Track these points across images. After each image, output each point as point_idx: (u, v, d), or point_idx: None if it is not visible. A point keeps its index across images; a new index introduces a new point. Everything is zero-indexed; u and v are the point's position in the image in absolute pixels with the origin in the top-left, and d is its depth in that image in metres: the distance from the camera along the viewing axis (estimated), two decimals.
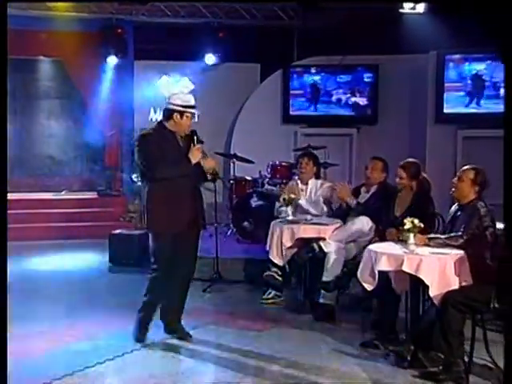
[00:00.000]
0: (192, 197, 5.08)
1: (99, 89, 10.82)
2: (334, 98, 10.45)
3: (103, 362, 4.69)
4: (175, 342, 5.16)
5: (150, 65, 11.05)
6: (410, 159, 5.64)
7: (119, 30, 10.41)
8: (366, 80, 10.35)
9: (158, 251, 5.04)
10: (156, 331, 5.26)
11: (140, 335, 5.13)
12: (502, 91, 9.39)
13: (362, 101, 10.39)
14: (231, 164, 9.18)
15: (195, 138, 5.08)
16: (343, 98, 10.43)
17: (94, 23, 10.35)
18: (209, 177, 5.19)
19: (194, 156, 5.02)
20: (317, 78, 10.52)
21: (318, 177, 6.72)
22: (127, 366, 4.69)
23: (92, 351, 4.94)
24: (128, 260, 8.09)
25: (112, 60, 10.55)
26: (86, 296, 6.66)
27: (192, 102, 5.06)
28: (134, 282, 7.27)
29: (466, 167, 4.96)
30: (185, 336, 5.20)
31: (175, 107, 5.00)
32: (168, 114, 5.04)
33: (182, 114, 5.00)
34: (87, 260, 8.55)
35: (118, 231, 8.61)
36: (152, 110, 11.17)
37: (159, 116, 11.05)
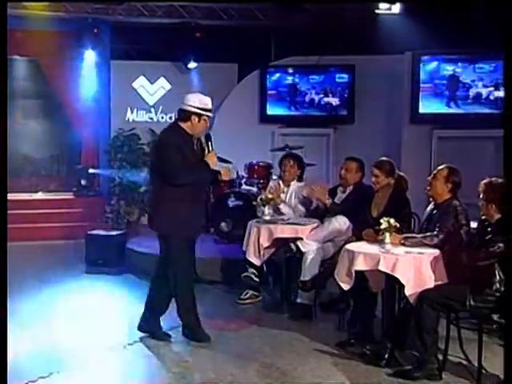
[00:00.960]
0: (204, 201, 5.18)
1: (75, 88, 10.74)
2: (308, 98, 10.50)
3: (78, 364, 4.66)
4: (152, 342, 5.15)
5: (127, 64, 11.03)
6: (383, 158, 5.71)
7: (95, 30, 10.32)
8: (339, 80, 10.40)
9: (181, 258, 5.04)
10: (131, 332, 5.25)
11: (200, 337, 5.13)
12: (472, 92, 9.50)
13: (335, 101, 10.44)
14: None
15: (210, 143, 5.09)
16: (316, 98, 10.48)
17: (70, 22, 10.25)
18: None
19: (213, 162, 5.02)
20: (294, 78, 10.56)
21: (300, 179, 6.71)
22: (103, 367, 4.67)
23: (67, 353, 4.90)
24: (105, 261, 8.05)
25: (88, 59, 10.48)
26: (61, 297, 6.61)
27: (210, 106, 5.05)
28: (111, 283, 7.28)
29: (440, 166, 5.05)
30: (162, 336, 5.19)
31: (194, 109, 4.96)
32: (186, 115, 4.99)
33: (200, 116, 4.97)
34: (63, 261, 8.49)
35: (94, 232, 8.56)
36: (129, 110, 11.15)
37: (136, 115, 11.15)
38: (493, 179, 4.59)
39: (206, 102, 5.03)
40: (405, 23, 8.99)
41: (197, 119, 4.96)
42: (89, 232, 8.44)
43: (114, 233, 8.65)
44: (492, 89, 9.31)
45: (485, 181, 4.61)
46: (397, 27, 9.01)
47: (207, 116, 5.01)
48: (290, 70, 10.59)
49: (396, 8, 9.06)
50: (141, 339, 5.19)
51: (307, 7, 9.47)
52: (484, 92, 9.38)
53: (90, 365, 4.68)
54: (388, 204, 5.48)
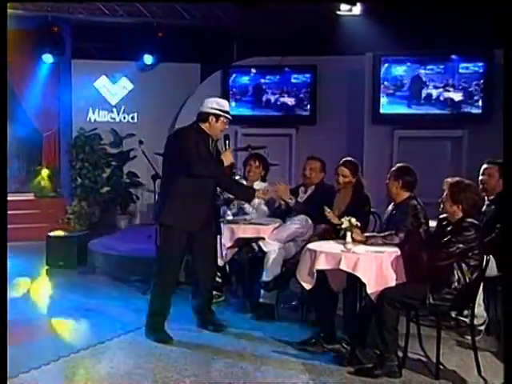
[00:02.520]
0: (211, 199, 5.33)
1: (36, 88, 10.60)
2: (271, 99, 10.54)
3: (38, 367, 4.60)
4: (114, 343, 5.13)
5: (89, 64, 10.92)
6: (348, 158, 5.76)
7: (55, 29, 10.21)
8: (299, 81, 10.45)
9: (169, 249, 5.21)
10: (91, 335, 5.20)
11: (163, 338, 5.17)
12: (424, 92, 9.64)
13: (291, 101, 10.49)
14: None
15: (227, 142, 5.43)
16: (272, 98, 10.52)
17: (30, 21, 10.10)
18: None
19: (227, 159, 5.31)
20: (256, 78, 10.59)
21: (264, 179, 6.70)
22: (62, 371, 4.62)
23: (27, 357, 4.81)
24: (66, 262, 7.98)
25: (48, 59, 10.35)
26: (21, 300, 6.52)
27: (227, 108, 5.34)
28: (72, 285, 7.20)
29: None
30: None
31: (212, 110, 5.25)
32: (204, 116, 5.28)
33: (217, 117, 5.25)
34: (24, 263, 8.36)
35: (55, 233, 8.47)
36: (91, 110, 11.04)
37: (98, 115, 11.05)
38: (459, 179, 4.63)
39: (223, 104, 5.36)
40: (365, 24, 9.10)
41: (214, 119, 5.25)
42: (49, 233, 8.36)
43: (75, 234, 8.59)
44: (441, 90, 9.50)
45: (452, 181, 4.61)
46: (358, 28, 9.12)
47: (225, 117, 5.29)
48: (253, 71, 10.62)
49: (357, 10, 9.17)
50: (102, 342, 5.15)
51: (269, 7, 9.50)
52: (434, 93, 9.55)
53: (43, 369, 4.60)
54: (351, 203, 5.54)
